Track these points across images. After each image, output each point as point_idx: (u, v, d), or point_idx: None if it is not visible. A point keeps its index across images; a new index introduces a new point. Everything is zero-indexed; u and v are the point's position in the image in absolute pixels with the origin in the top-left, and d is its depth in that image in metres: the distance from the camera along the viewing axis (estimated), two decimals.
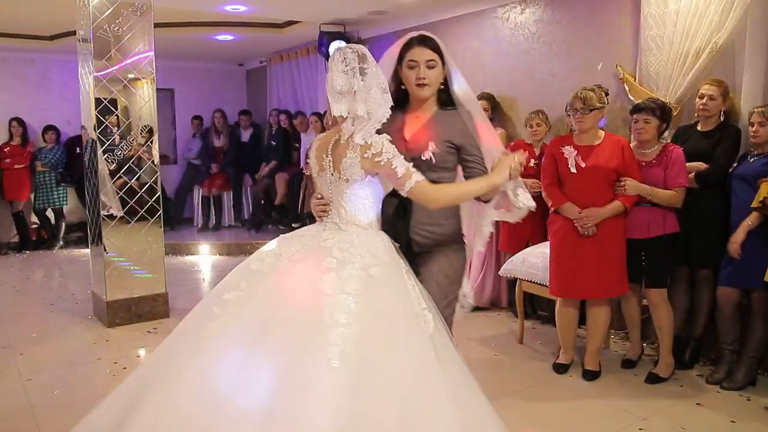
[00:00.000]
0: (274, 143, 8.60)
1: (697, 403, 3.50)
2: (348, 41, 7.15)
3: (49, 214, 8.37)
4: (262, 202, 8.75)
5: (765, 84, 3.84)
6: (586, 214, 3.61)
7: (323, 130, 7.25)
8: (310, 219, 7.32)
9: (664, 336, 3.78)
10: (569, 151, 3.70)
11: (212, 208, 9.06)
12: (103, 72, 4.82)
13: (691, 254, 3.87)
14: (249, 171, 9.02)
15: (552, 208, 3.82)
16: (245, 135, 9.24)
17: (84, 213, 6.50)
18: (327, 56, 7.12)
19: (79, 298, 5.79)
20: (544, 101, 5.15)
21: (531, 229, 4.65)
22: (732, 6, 3.86)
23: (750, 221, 3.48)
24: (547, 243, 3.97)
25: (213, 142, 9.07)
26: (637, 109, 3.80)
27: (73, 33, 5.26)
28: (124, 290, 4.97)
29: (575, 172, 3.65)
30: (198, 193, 9.18)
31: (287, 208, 8.36)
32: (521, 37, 5.49)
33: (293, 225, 8.17)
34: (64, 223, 8.47)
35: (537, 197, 4.67)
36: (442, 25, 6.33)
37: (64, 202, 8.37)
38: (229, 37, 7.97)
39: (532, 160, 4.73)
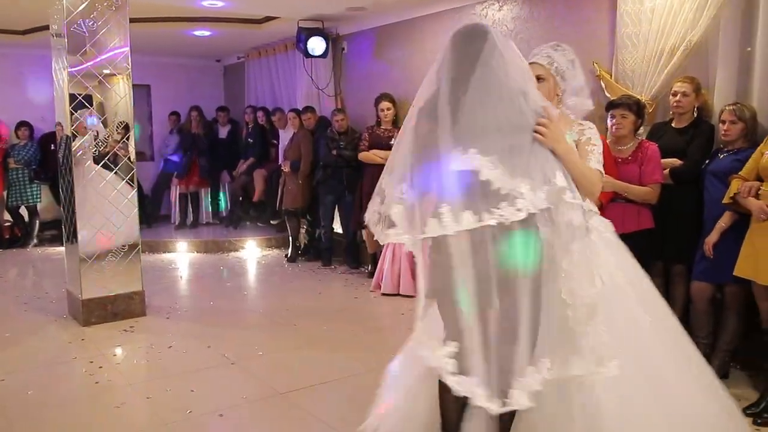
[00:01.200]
0: (251, 140, 8.55)
1: None
2: (326, 37, 7.13)
3: (23, 211, 8.24)
4: (240, 199, 8.71)
5: (737, 81, 3.90)
6: None
7: (302, 126, 7.22)
8: (288, 216, 7.31)
9: None
10: None
11: (189, 205, 9.00)
12: (78, 67, 4.74)
13: (665, 249, 3.92)
14: (227, 168, 8.96)
15: None
16: (223, 131, 9.18)
17: (58, 210, 6.41)
18: (305, 52, 7.09)
19: (53, 296, 5.70)
20: None
21: None
22: (706, 4, 3.92)
23: (723, 222, 3.53)
24: None
25: (192, 132, 8.97)
26: (613, 105, 3.84)
27: (47, 27, 5.18)
28: (100, 288, 4.91)
29: None
30: (175, 191, 9.11)
31: (265, 205, 8.32)
32: None
33: (272, 222, 8.15)
34: (38, 221, 8.34)
35: None
36: (421, 22, 6.34)
37: (38, 200, 8.24)
38: (206, 33, 7.90)
39: None
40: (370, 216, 2.24)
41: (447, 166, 2.07)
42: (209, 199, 9.25)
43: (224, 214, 9.21)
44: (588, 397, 2.20)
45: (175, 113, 9.40)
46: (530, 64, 2.43)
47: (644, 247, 3.78)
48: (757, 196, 3.24)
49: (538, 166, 2.08)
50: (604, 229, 2.59)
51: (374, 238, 2.28)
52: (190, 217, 8.97)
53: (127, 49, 4.91)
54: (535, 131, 2.09)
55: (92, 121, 5.05)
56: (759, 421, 3.18)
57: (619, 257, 2.58)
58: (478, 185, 2.03)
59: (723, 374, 3.72)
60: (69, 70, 4.72)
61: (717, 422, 2.49)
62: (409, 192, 2.16)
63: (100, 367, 4.01)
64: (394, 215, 2.18)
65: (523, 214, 2.02)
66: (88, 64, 4.78)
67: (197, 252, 7.86)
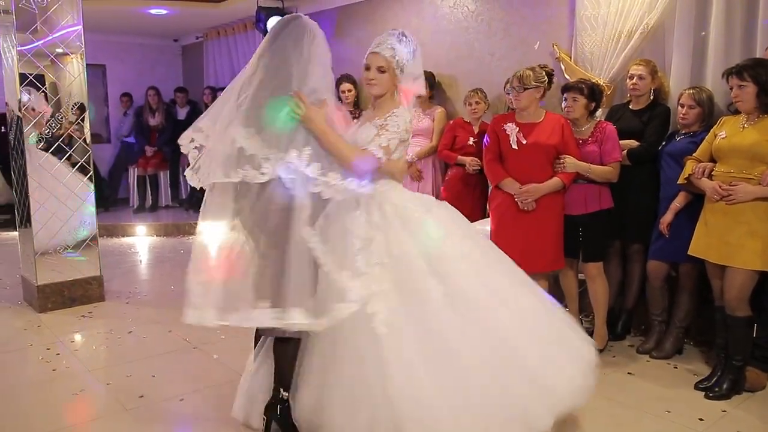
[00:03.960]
0: None
1: (628, 372, 3.64)
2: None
3: None
4: None
5: (692, 64, 3.97)
6: (526, 190, 3.68)
7: None
8: None
9: (599, 308, 3.90)
10: (511, 128, 3.75)
11: (148, 187, 8.83)
12: (28, 46, 4.59)
13: (624, 229, 4.00)
14: None
15: (493, 184, 3.87)
16: (182, 113, 9.01)
17: (10, 194, 6.22)
18: (264, 32, 6.97)
19: (7, 283, 5.56)
20: (482, 80, 5.19)
21: (471, 206, 4.71)
22: None
23: (678, 203, 3.62)
24: (486, 220, 4.03)
25: (147, 121, 8.81)
26: (565, 88, 3.91)
27: None
28: (56, 274, 4.80)
29: (516, 148, 3.71)
30: (133, 173, 8.93)
31: None
32: (460, 15, 5.50)
33: None
34: None
35: (476, 174, 4.76)
36: (382, 3, 6.29)
37: None
38: (163, 11, 7.72)
39: (471, 138, 4.81)
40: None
41: (224, 132, 2.53)
42: (169, 182, 9.10)
43: (184, 196, 9.08)
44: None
45: (126, 94, 9.20)
46: (373, 54, 2.72)
47: (604, 226, 3.87)
48: (710, 177, 3.31)
49: (290, 139, 2.45)
50: (412, 207, 2.67)
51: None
52: (149, 200, 8.82)
53: (80, 27, 4.77)
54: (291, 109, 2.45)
55: (35, 100, 4.85)
56: (711, 394, 3.28)
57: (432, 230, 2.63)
58: (235, 150, 2.46)
59: (677, 350, 3.84)
60: (18, 48, 4.56)
61: (522, 395, 2.46)
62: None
63: (58, 354, 3.93)
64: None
65: (265, 178, 2.42)
66: (39, 42, 4.63)
67: (157, 236, 7.74)
